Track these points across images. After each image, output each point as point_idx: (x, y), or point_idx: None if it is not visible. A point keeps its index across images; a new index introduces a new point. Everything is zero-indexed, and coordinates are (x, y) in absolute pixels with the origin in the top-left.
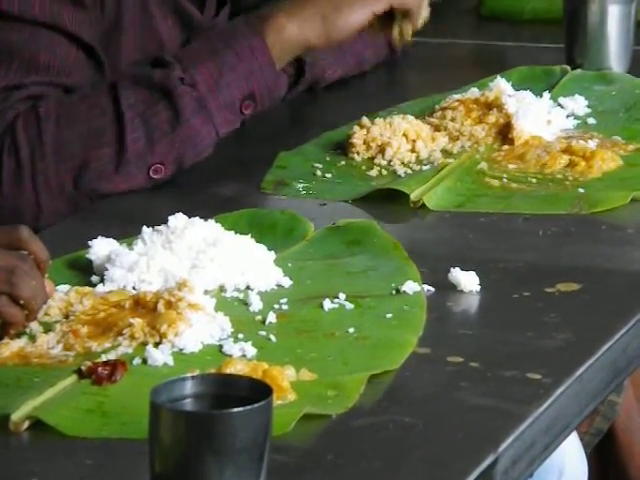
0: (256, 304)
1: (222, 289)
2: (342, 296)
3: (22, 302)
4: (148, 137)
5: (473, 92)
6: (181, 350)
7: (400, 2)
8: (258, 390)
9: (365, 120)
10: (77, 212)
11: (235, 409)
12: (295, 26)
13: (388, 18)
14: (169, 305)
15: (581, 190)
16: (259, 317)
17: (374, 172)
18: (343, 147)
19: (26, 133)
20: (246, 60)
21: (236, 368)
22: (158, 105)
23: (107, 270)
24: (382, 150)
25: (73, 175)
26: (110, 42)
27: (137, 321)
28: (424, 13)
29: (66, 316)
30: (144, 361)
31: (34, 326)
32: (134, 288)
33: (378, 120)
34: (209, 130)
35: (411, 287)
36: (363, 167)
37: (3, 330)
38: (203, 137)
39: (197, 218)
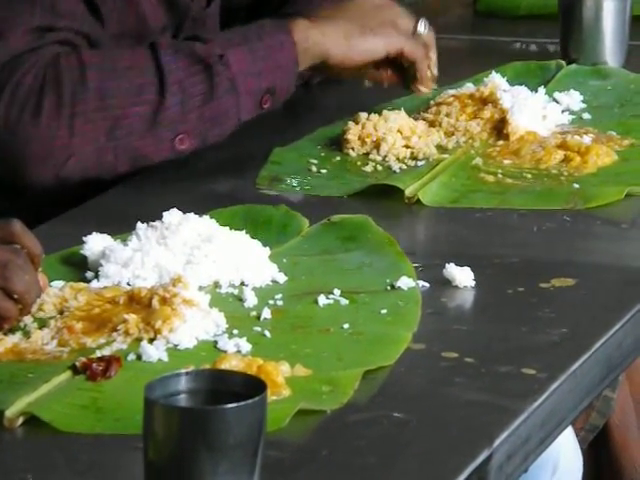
0: (251, 300)
1: (217, 285)
2: (337, 292)
3: (16, 296)
4: (183, 105)
5: (468, 87)
6: (176, 346)
7: (410, 50)
8: (252, 386)
9: (360, 116)
10: (100, 166)
11: (229, 405)
12: (319, 34)
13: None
14: (164, 301)
15: (576, 185)
16: (254, 313)
17: (369, 168)
18: (338, 143)
19: (70, 73)
20: (275, 53)
21: (231, 364)
22: (197, 76)
23: (102, 266)
24: (377, 146)
25: (108, 125)
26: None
27: (131, 317)
28: (432, 59)
29: (61, 312)
30: (138, 357)
31: (28, 322)
32: (129, 284)
33: (373, 116)
34: (235, 112)
35: (406, 283)
36: (358, 163)
37: None
38: (229, 117)
39: (192, 214)
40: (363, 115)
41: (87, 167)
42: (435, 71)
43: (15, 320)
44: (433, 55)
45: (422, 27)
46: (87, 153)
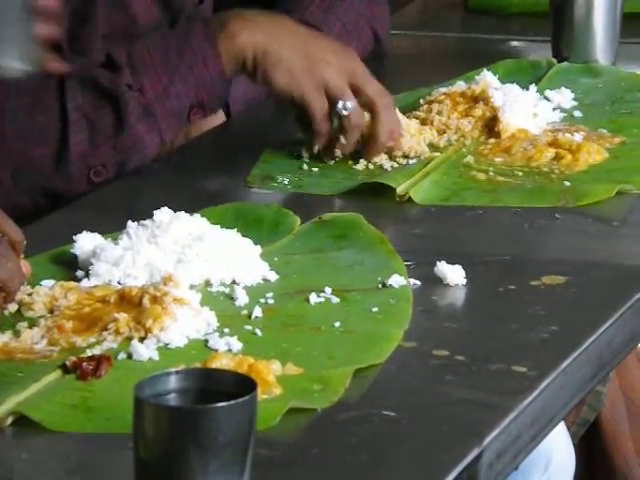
0: (242, 298)
1: (208, 283)
2: (328, 290)
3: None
4: (92, 139)
5: (459, 85)
6: (166, 345)
7: (308, 107)
8: (243, 384)
9: None
10: (15, 210)
11: (219, 404)
12: (243, 40)
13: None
14: (154, 300)
15: (567, 183)
16: (245, 311)
17: (360, 166)
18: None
19: None
20: (198, 70)
21: (221, 363)
22: (104, 109)
23: (92, 265)
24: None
25: (12, 170)
26: (80, 26)
27: (122, 316)
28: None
29: (50, 311)
30: (129, 356)
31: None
32: (119, 283)
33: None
34: (154, 136)
35: (397, 281)
36: (349, 161)
37: None
38: (147, 143)
39: (183, 212)
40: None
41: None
42: (338, 152)
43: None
44: (348, 139)
45: (341, 106)
46: None
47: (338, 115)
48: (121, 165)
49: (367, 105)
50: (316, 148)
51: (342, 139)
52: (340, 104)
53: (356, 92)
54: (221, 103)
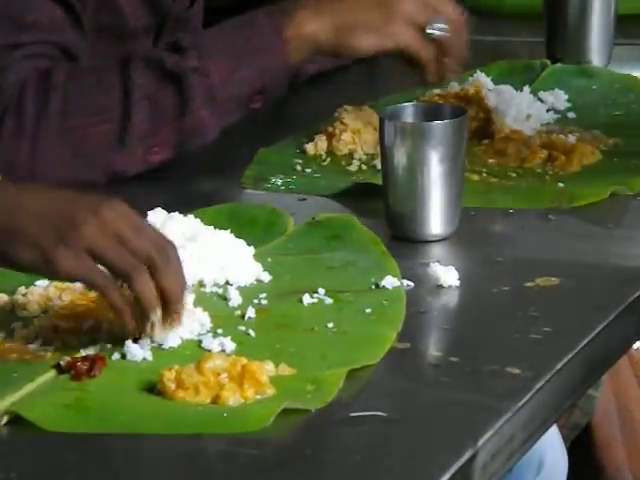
0: (235, 299)
1: (201, 284)
2: (321, 291)
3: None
4: (153, 120)
5: (453, 86)
6: (160, 345)
7: (406, 49)
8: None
9: (345, 115)
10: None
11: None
12: (312, 28)
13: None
14: None
15: (561, 184)
16: (238, 312)
17: (354, 167)
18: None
19: (34, 98)
20: (263, 58)
21: (215, 363)
22: (167, 90)
23: None
24: (362, 144)
25: (73, 147)
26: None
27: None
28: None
29: (45, 311)
30: (123, 356)
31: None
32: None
33: (359, 114)
34: (215, 121)
35: (390, 282)
36: (343, 162)
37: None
38: (208, 128)
39: (176, 213)
40: (349, 108)
41: (60, 185)
42: (450, 74)
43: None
44: (451, 57)
45: (433, 29)
46: (55, 173)
47: (433, 39)
48: (180, 147)
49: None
50: (430, 78)
51: (447, 60)
52: (429, 29)
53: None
54: (282, 90)
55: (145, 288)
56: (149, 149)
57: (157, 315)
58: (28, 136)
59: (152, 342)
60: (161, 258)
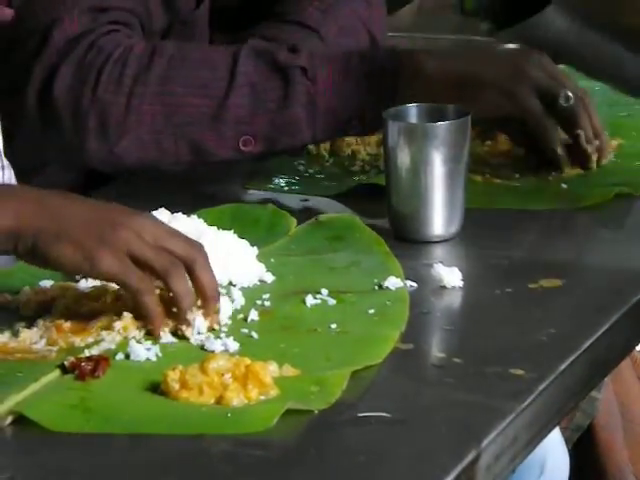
0: (238, 300)
1: None
2: (325, 292)
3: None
4: (252, 107)
5: None
6: (164, 345)
7: (529, 113)
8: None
9: None
10: (159, 151)
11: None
12: (433, 62)
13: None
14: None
15: (564, 185)
16: (241, 313)
17: (357, 167)
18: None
19: (138, 58)
20: (373, 82)
21: (219, 363)
22: (272, 82)
23: None
24: (365, 145)
25: (167, 111)
26: None
27: (127, 316)
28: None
29: (49, 311)
30: (127, 356)
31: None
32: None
33: None
34: (309, 127)
35: (394, 283)
36: (346, 162)
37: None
38: (302, 130)
39: (180, 213)
40: None
41: (145, 149)
42: (590, 147)
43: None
44: (582, 131)
45: (564, 97)
46: (143, 134)
47: (564, 109)
48: (271, 142)
49: (574, 95)
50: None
51: (581, 134)
52: (562, 99)
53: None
54: (370, 130)
55: (183, 286)
56: (241, 136)
57: (193, 313)
58: (125, 91)
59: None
60: (198, 260)
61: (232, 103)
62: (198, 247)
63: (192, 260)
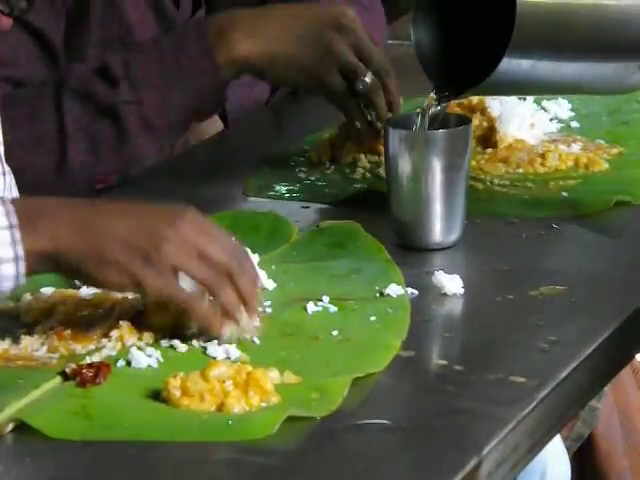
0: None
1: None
2: (326, 299)
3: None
4: (92, 150)
5: None
6: (165, 352)
7: (328, 89)
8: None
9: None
10: None
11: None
12: (245, 51)
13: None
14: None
15: (565, 193)
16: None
17: (357, 175)
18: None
19: None
20: (196, 82)
21: (220, 370)
22: (103, 122)
23: None
24: (365, 152)
25: (17, 173)
26: (74, 30)
27: (124, 323)
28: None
29: (49, 318)
30: (128, 363)
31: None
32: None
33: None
34: (154, 147)
35: (395, 290)
36: (347, 170)
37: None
38: (147, 153)
39: None
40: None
41: None
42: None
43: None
44: (373, 113)
45: (361, 84)
46: None
47: (359, 92)
48: (123, 173)
49: (376, 74)
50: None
51: (374, 116)
52: (359, 83)
53: (365, 62)
54: (218, 108)
55: (229, 298)
56: (92, 178)
57: (241, 319)
58: None
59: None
60: (238, 265)
61: (72, 152)
62: (238, 250)
63: (233, 270)
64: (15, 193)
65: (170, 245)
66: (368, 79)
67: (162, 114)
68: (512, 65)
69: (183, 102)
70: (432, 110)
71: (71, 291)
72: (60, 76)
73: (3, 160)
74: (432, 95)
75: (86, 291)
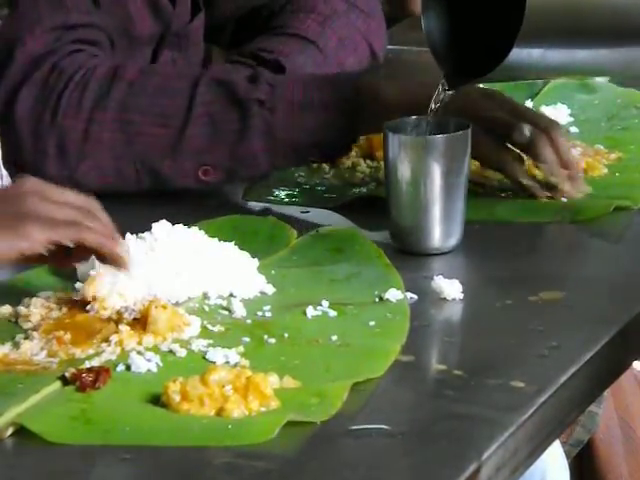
0: (239, 311)
1: (205, 296)
2: (325, 303)
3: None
4: (211, 137)
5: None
6: (165, 356)
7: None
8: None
9: None
10: (119, 178)
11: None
12: (390, 95)
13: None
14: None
15: (564, 199)
16: (242, 324)
17: (357, 179)
18: None
19: (98, 82)
20: (330, 112)
21: (220, 375)
22: (231, 114)
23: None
24: (365, 157)
25: (126, 139)
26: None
27: (123, 328)
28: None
29: (48, 322)
30: (127, 367)
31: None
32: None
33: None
34: (268, 158)
35: (394, 295)
36: (346, 175)
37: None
38: (261, 161)
39: (180, 225)
40: None
41: (104, 175)
42: (555, 179)
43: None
44: (544, 166)
45: (518, 134)
46: (103, 161)
47: (522, 142)
48: (231, 173)
49: (537, 127)
50: (529, 183)
51: (546, 168)
52: (517, 131)
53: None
54: (342, 153)
55: (98, 227)
56: (200, 166)
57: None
58: (84, 117)
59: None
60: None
61: (191, 133)
62: (87, 199)
63: (88, 208)
64: None
65: (32, 197)
66: (527, 130)
67: (288, 130)
68: (522, 53)
69: (310, 129)
70: (442, 97)
71: (70, 295)
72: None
73: (0, 165)
74: (442, 82)
75: (86, 295)
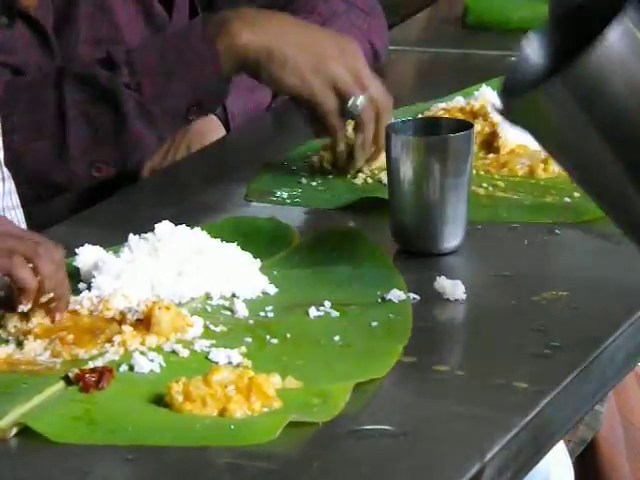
0: (242, 312)
1: (208, 296)
2: (327, 304)
3: (39, 277)
4: (92, 135)
5: (458, 101)
6: (168, 356)
7: (314, 100)
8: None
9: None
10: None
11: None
12: (245, 40)
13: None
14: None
15: (567, 199)
16: (244, 324)
17: (359, 180)
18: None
19: None
20: (195, 70)
21: (222, 375)
22: (103, 106)
23: (94, 277)
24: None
25: (14, 162)
26: (63, 26)
27: (127, 328)
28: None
29: (51, 323)
30: (130, 368)
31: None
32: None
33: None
34: (152, 135)
35: (397, 295)
36: (348, 175)
37: (9, 300)
38: (146, 142)
39: (183, 226)
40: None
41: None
42: (359, 156)
43: (28, 299)
44: (360, 136)
45: (353, 102)
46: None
47: (351, 113)
48: (122, 162)
49: (372, 102)
50: (340, 149)
51: (358, 139)
52: (351, 101)
53: (361, 88)
54: (219, 102)
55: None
56: (92, 165)
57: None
58: None
59: None
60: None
61: (72, 137)
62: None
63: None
64: (15, 199)
65: None
66: (362, 101)
67: (161, 102)
68: None
69: (182, 91)
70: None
71: (73, 297)
72: (59, 63)
73: (3, 166)
74: None
75: (88, 296)
